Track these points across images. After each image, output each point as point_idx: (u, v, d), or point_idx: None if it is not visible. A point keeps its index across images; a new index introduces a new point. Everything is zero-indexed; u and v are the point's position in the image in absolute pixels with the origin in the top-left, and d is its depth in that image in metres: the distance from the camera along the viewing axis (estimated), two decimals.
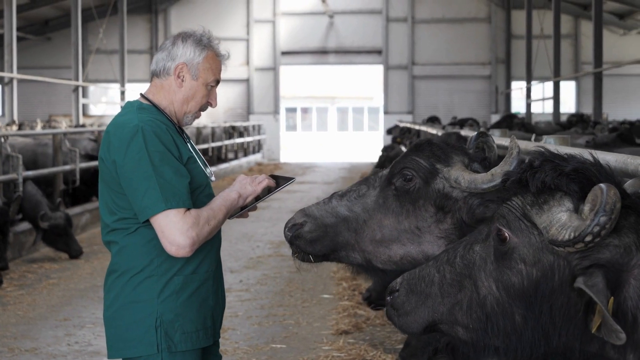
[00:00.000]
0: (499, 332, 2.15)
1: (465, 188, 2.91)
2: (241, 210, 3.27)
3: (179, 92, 3.21)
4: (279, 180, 3.33)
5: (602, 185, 1.95)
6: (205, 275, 3.17)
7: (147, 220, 3.01)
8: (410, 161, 3.07)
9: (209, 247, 3.17)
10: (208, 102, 3.28)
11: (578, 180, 2.06)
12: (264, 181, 3.23)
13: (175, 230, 2.94)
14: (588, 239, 1.95)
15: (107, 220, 3.12)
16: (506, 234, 2.17)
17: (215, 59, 3.25)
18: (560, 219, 2.02)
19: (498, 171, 2.81)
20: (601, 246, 1.98)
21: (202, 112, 3.33)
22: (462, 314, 2.25)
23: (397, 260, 3.05)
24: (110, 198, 3.09)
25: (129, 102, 3.24)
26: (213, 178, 3.30)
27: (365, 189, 3.16)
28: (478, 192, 2.88)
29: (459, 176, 2.94)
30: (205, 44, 3.23)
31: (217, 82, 3.29)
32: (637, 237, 1.98)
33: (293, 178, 3.35)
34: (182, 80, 3.20)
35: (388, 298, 2.45)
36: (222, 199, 3.14)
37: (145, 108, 3.18)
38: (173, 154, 3.05)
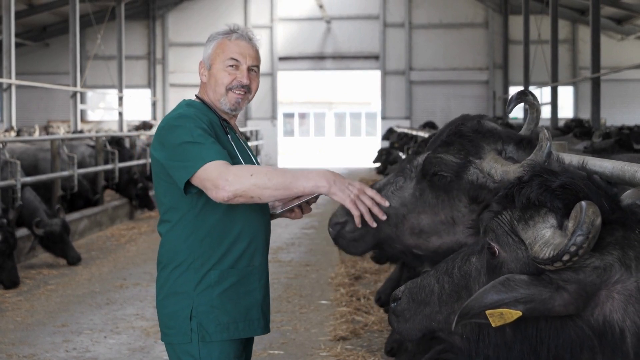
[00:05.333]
0: (490, 344, 2.17)
1: (498, 181, 2.87)
2: (279, 211, 3.30)
3: (206, 87, 3.39)
4: None
5: (582, 202, 1.94)
6: (246, 270, 3.26)
7: (189, 189, 3.08)
8: (438, 160, 3.06)
9: (245, 244, 3.24)
10: (237, 80, 3.31)
11: (563, 196, 2.05)
12: (364, 201, 2.94)
13: (213, 174, 2.97)
14: (565, 258, 1.94)
15: (160, 211, 3.30)
16: (495, 249, 2.18)
17: (227, 43, 3.34)
18: (544, 235, 2.01)
19: (529, 163, 2.78)
20: (582, 266, 1.99)
21: (242, 94, 3.33)
22: None
23: (434, 249, 3.09)
24: (160, 188, 3.24)
25: (182, 100, 3.41)
26: None
27: (402, 180, 3.18)
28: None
29: (492, 168, 2.90)
30: (214, 35, 3.40)
31: (236, 60, 3.31)
32: (622, 253, 1.98)
33: None
34: (204, 75, 3.39)
35: (392, 305, 2.53)
36: (301, 173, 2.98)
37: (195, 105, 3.33)
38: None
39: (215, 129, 3.25)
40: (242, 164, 3.26)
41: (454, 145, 3.08)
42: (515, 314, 2.02)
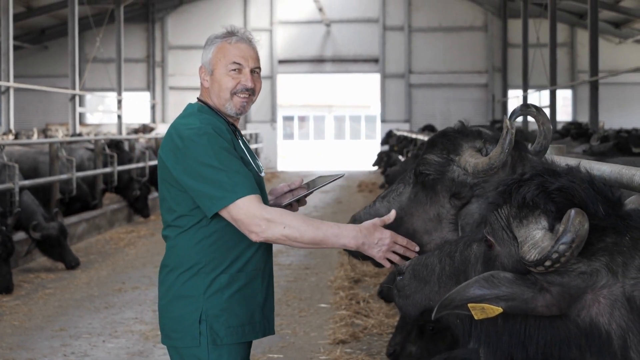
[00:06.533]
0: (482, 330, 2.20)
1: (471, 174, 3.03)
2: (284, 204, 3.39)
3: (208, 92, 3.35)
4: (327, 178, 3.46)
5: (571, 210, 1.96)
6: (253, 273, 3.26)
7: (214, 214, 3.09)
8: (423, 161, 3.22)
9: (256, 246, 3.24)
10: (242, 84, 3.29)
11: (558, 199, 2.07)
12: (394, 255, 3.04)
13: (246, 217, 3.02)
14: (547, 263, 1.98)
15: (167, 218, 3.26)
16: (491, 241, 2.21)
17: (227, 46, 3.31)
18: (534, 236, 2.04)
19: (493, 154, 2.94)
20: (567, 270, 2.02)
21: (247, 97, 3.32)
22: None
23: (425, 247, 3.16)
24: (170, 196, 3.21)
25: (190, 104, 3.38)
26: (263, 174, 3.38)
27: (402, 187, 3.32)
28: (482, 176, 3.01)
29: (466, 163, 3.06)
30: (212, 39, 3.36)
31: (239, 64, 3.30)
32: (610, 259, 2.01)
33: (343, 174, 3.58)
34: (206, 80, 3.35)
35: (397, 278, 2.59)
36: (332, 231, 3.03)
37: (207, 112, 3.31)
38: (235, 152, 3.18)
39: (230, 136, 3.23)
40: (256, 171, 3.30)
41: (438, 145, 3.22)
42: (496, 310, 2.06)
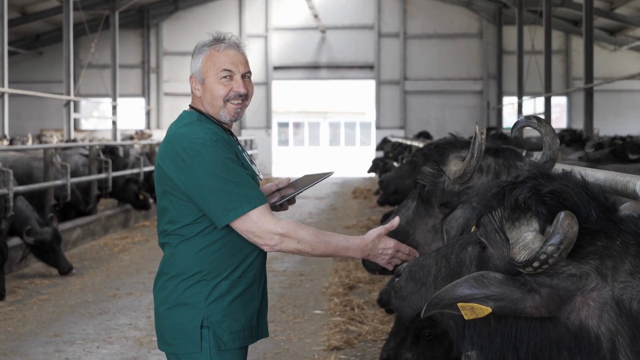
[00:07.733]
0: (475, 331, 2.21)
1: (453, 181, 3.18)
2: (277, 204, 3.46)
3: (201, 100, 3.34)
4: (314, 177, 3.52)
5: (561, 213, 1.98)
6: (252, 278, 3.29)
7: (224, 224, 3.12)
8: (419, 171, 3.36)
9: (256, 253, 3.27)
10: (234, 91, 3.29)
11: (550, 202, 2.08)
12: (397, 261, 3.21)
13: (259, 230, 3.09)
14: (535, 264, 2.00)
15: (167, 228, 3.25)
16: (485, 243, 2.23)
17: (215, 54, 3.30)
18: (525, 238, 2.06)
19: (466, 160, 3.09)
20: (557, 272, 2.04)
21: (239, 103, 3.32)
22: None
23: None
24: (173, 207, 3.20)
25: (186, 112, 3.36)
26: (261, 177, 3.40)
27: (410, 202, 3.46)
28: (460, 182, 3.16)
29: (450, 171, 3.21)
30: (200, 47, 3.34)
31: (230, 71, 3.29)
32: (600, 262, 2.03)
33: (332, 172, 3.61)
34: (197, 90, 3.34)
35: (395, 280, 2.62)
36: (341, 244, 3.17)
37: (204, 120, 3.30)
38: (239, 160, 3.21)
39: (233, 145, 3.24)
40: (259, 177, 3.33)
41: (430, 157, 3.38)
42: (485, 310, 2.07)
